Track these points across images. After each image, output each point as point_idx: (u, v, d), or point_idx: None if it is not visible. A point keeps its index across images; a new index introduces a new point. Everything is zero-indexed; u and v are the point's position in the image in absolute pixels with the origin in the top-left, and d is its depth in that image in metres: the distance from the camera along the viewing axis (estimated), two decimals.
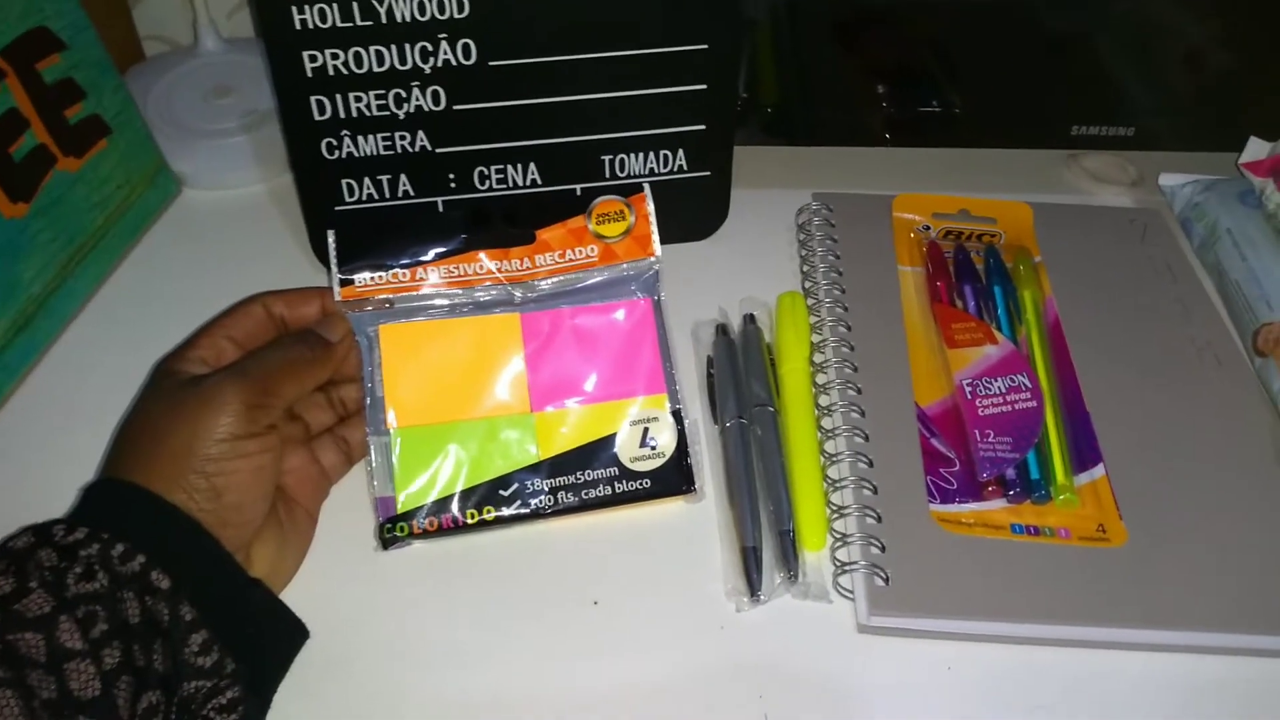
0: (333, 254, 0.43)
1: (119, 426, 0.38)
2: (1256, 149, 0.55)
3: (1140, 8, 0.57)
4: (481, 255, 0.44)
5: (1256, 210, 0.54)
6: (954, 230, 0.55)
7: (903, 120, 0.61)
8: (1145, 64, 0.59)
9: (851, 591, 0.40)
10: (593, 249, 0.45)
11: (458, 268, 0.44)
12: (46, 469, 0.44)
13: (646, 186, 0.46)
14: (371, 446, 0.42)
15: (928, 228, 0.55)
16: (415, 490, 0.41)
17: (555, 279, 0.45)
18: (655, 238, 0.45)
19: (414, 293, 0.43)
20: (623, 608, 0.40)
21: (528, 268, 0.44)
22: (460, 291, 0.44)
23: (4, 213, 0.46)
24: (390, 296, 0.43)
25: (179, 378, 0.38)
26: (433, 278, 0.43)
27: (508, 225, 0.45)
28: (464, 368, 0.43)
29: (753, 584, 0.40)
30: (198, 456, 0.35)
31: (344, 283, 0.43)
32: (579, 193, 0.53)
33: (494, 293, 0.44)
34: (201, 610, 0.34)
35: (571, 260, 0.45)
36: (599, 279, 0.45)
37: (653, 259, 0.45)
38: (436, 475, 0.42)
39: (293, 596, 0.38)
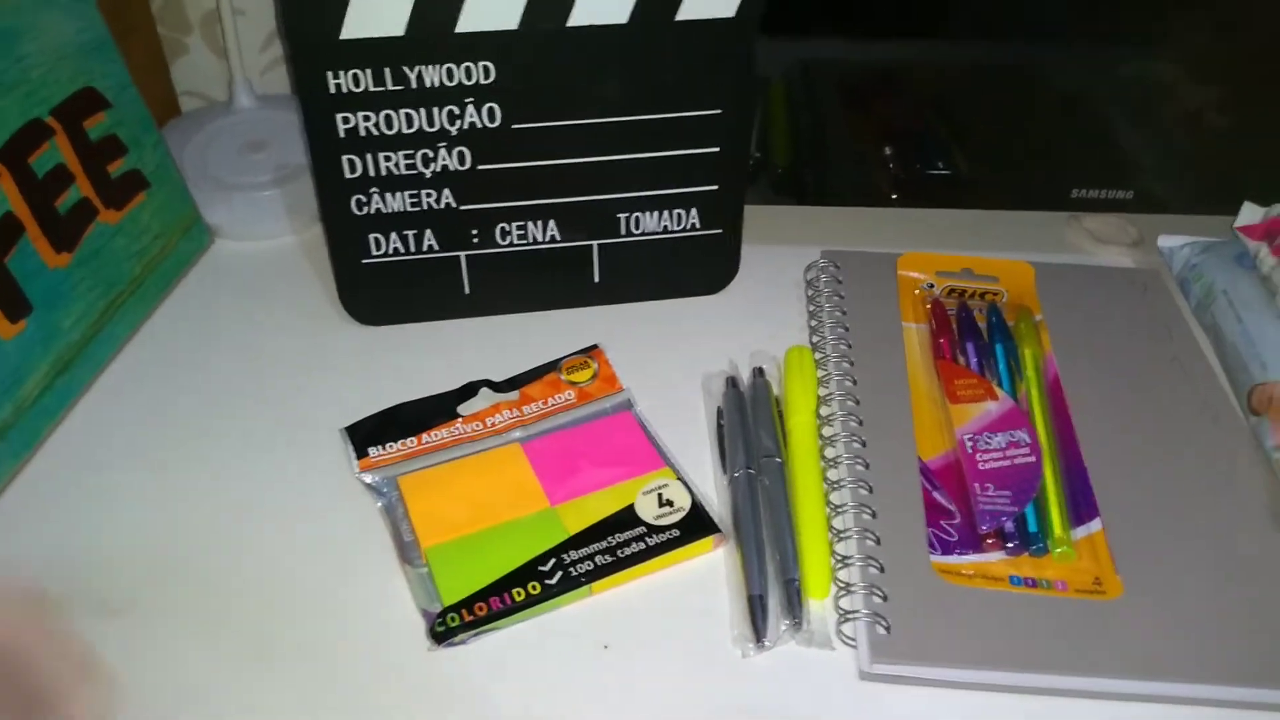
0: (349, 448, 0.49)
1: None
2: (1250, 214, 0.57)
3: (1139, 76, 0.59)
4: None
5: (1252, 272, 0.55)
6: (957, 288, 0.56)
7: (909, 181, 0.63)
8: (1143, 129, 0.61)
9: (854, 639, 0.42)
10: (569, 393, 0.52)
11: (458, 427, 0.50)
12: (81, 506, 0.46)
13: (600, 345, 0.54)
14: (408, 577, 0.44)
15: (932, 285, 0.57)
16: (457, 587, 0.43)
17: (544, 420, 0.51)
18: (619, 376, 0.53)
19: (423, 452, 0.49)
20: (633, 653, 0.42)
21: (518, 416, 0.51)
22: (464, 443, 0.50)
23: (48, 263, 0.49)
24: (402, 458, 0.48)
25: None
26: (437, 437, 0.49)
27: (494, 390, 0.52)
28: (481, 491, 0.47)
29: (759, 630, 0.42)
30: None
31: (360, 455, 0.48)
32: (596, 248, 0.55)
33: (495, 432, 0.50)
34: None
35: (554, 404, 0.51)
36: (581, 413, 0.51)
37: (622, 391, 0.52)
38: (475, 572, 0.43)
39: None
